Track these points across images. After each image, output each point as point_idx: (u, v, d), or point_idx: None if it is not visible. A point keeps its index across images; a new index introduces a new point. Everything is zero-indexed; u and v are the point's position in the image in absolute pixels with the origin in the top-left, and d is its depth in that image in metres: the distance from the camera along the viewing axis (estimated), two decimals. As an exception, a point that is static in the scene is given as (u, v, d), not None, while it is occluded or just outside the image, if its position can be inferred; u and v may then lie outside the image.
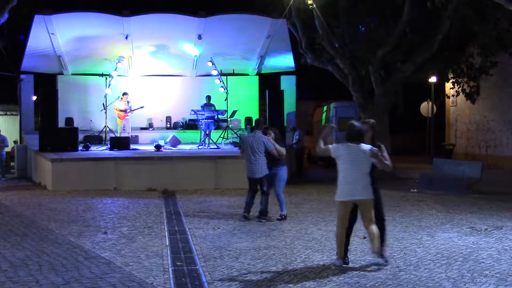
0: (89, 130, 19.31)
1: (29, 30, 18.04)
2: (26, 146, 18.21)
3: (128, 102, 18.27)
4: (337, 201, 6.72)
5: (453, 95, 21.72)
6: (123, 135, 17.93)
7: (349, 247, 6.88)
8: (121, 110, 18.11)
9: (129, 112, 18.18)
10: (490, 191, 13.58)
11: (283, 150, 9.87)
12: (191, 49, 19.54)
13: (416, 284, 5.98)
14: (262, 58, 20.70)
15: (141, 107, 18.30)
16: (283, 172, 9.96)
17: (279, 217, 9.85)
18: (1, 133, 18.15)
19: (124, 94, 18.35)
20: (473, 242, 7.97)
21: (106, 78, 18.04)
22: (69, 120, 19.30)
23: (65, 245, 7.81)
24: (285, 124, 18.23)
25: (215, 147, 17.08)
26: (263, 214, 9.86)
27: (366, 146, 6.66)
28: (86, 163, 14.16)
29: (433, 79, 22.54)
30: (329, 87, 24.89)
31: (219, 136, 18.45)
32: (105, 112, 17.52)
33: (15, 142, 20.69)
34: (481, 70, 18.83)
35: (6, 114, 26.05)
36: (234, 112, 18.97)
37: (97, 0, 20.88)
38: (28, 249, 7.54)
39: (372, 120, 7.26)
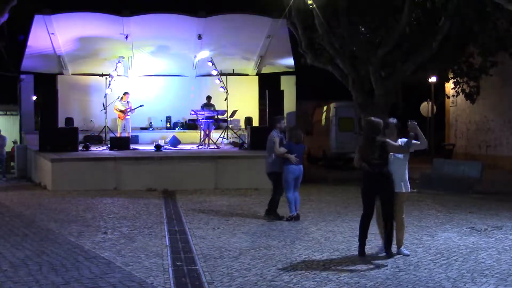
0: (89, 130, 19.31)
1: (29, 30, 18.04)
2: (26, 146, 18.22)
3: (128, 102, 18.27)
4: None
5: (453, 95, 21.70)
6: (123, 135, 17.93)
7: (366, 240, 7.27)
8: (121, 111, 18.12)
9: (129, 112, 18.18)
10: (490, 191, 13.59)
11: (280, 150, 9.85)
12: (191, 49, 19.54)
13: (416, 284, 5.98)
14: (262, 58, 20.71)
15: (141, 106, 18.29)
16: (285, 172, 9.91)
17: (287, 218, 9.81)
18: (1, 133, 18.17)
19: (125, 93, 18.35)
20: (473, 242, 7.97)
21: (106, 78, 18.04)
22: (69, 120, 19.30)
23: (65, 245, 7.81)
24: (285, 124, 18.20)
25: (215, 147, 17.08)
26: (266, 211, 9.96)
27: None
28: (86, 163, 14.15)
29: (433, 79, 22.52)
30: (329, 87, 24.88)
31: (219, 136, 18.46)
32: (105, 112, 17.52)
33: (14, 142, 20.68)
34: (481, 70, 18.80)
35: (6, 114, 26.05)
36: (234, 112, 18.97)
37: (97, 0, 20.86)
38: (28, 249, 7.54)
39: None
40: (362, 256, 7.07)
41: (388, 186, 7.01)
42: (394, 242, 7.14)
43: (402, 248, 7.20)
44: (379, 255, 7.13)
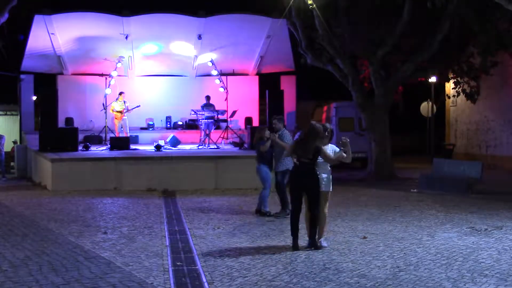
0: (89, 130, 19.31)
1: (29, 30, 18.06)
2: (26, 146, 18.21)
3: (124, 102, 18.27)
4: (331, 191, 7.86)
5: (453, 96, 21.69)
6: (121, 135, 17.93)
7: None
8: (118, 111, 18.11)
9: (126, 112, 18.18)
10: (490, 191, 13.58)
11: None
12: (191, 49, 19.54)
13: (416, 284, 5.98)
14: (262, 58, 20.71)
15: (138, 106, 18.30)
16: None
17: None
18: None
19: (121, 93, 18.36)
20: (473, 242, 7.97)
21: (106, 78, 18.05)
22: (69, 120, 19.31)
23: (65, 245, 7.81)
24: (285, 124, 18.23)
25: (215, 147, 17.09)
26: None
27: None
28: (86, 163, 14.15)
29: (433, 79, 22.50)
30: (329, 87, 24.86)
31: (219, 136, 18.46)
32: (105, 112, 17.53)
33: (14, 142, 20.67)
34: (482, 70, 18.80)
35: (6, 114, 26.03)
36: (234, 112, 18.97)
37: (97, 0, 20.86)
38: (28, 249, 7.55)
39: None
40: (295, 249, 7.42)
41: (314, 184, 7.53)
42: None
43: (322, 239, 7.64)
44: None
